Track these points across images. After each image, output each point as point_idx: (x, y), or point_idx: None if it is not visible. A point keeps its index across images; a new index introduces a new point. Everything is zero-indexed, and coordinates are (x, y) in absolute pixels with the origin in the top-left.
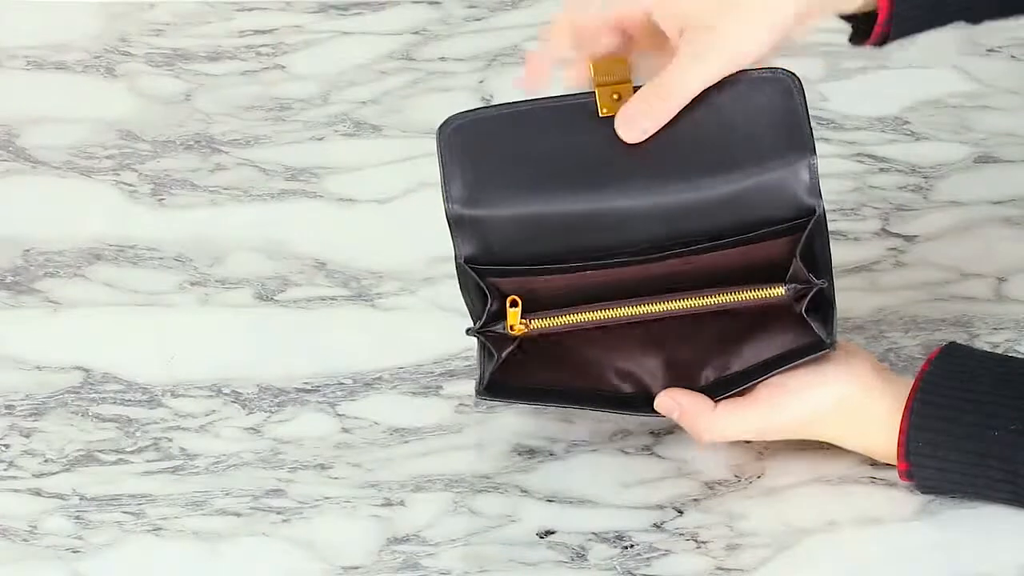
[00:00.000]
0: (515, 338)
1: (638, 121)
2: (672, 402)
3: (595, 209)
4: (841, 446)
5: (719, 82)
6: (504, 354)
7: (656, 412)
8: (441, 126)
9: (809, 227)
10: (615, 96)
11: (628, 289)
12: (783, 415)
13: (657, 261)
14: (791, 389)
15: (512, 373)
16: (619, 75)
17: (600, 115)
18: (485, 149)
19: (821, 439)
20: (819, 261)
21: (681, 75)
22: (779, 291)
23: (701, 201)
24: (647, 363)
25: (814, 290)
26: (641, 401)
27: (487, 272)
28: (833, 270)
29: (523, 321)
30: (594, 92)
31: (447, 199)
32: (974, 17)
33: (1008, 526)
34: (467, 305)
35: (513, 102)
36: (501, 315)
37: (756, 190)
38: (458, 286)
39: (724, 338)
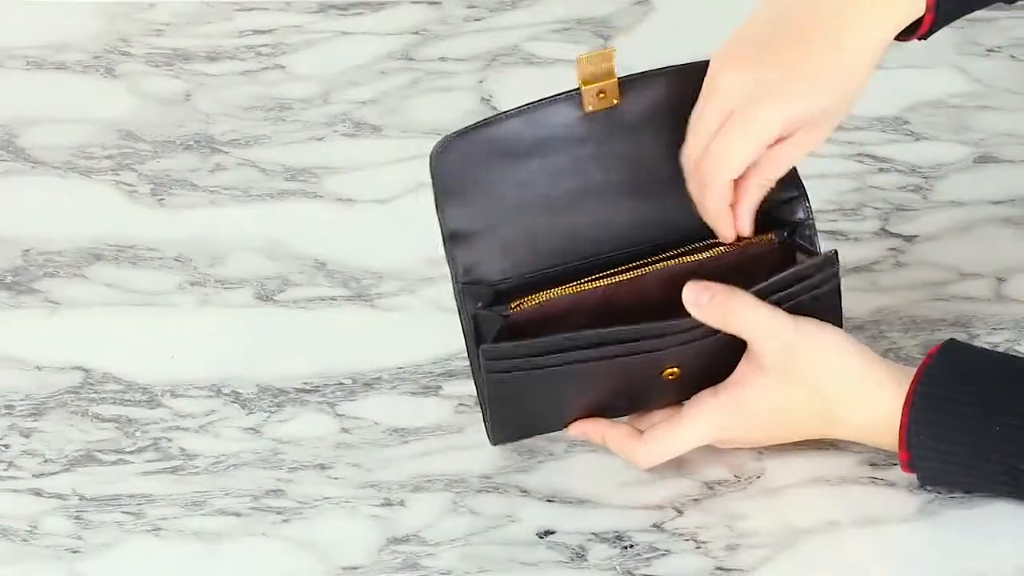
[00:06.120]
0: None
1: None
2: (592, 430)
3: (589, 219)
4: (834, 435)
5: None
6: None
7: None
8: (432, 151)
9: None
10: (600, 94)
11: (623, 307)
12: (749, 408)
13: (652, 264)
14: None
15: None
16: (605, 72)
17: (584, 113)
18: (477, 167)
19: (814, 432)
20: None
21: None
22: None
23: (693, 209)
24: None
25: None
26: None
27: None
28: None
29: (520, 302)
30: (579, 90)
31: (442, 222)
32: None
33: (1008, 526)
34: (462, 326)
35: (501, 114)
36: (502, 336)
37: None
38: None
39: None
